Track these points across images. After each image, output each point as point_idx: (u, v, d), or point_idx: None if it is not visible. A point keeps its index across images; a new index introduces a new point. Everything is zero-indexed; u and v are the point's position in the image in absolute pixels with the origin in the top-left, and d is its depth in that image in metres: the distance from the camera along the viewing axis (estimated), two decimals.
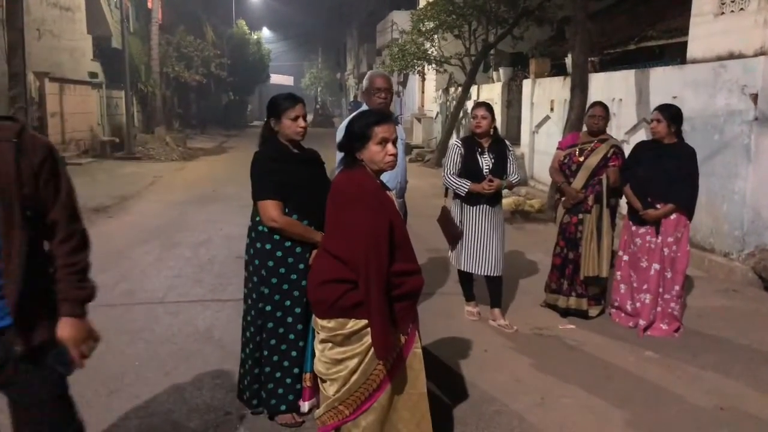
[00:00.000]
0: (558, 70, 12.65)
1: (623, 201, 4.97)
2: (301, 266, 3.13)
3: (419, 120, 23.40)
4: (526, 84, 13.21)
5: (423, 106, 24.85)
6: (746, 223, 6.38)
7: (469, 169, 4.72)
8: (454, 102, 17.63)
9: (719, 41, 6.85)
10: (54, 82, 15.61)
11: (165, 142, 19.37)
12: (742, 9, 6.58)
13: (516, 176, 4.84)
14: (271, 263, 3.15)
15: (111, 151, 18.38)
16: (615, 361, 4.29)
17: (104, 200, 10.46)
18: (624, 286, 4.97)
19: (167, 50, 25.38)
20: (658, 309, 4.78)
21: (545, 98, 12.12)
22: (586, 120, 5.09)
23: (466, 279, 5.07)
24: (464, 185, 4.67)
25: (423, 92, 25.01)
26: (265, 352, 3.21)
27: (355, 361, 2.51)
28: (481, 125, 4.70)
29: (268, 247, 3.15)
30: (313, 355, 2.72)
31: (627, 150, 5.07)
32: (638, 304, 4.84)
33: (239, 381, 3.42)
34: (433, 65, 18.17)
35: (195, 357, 4.23)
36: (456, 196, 4.84)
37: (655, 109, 4.77)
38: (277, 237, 3.13)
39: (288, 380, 3.22)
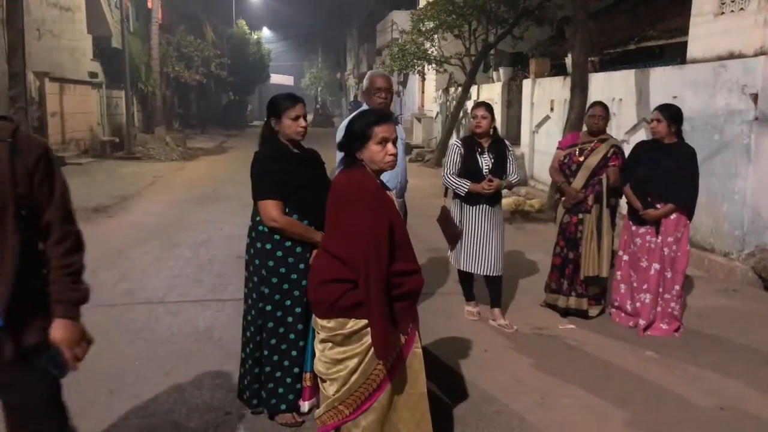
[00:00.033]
0: (558, 70, 12.65)
1: (623, 201, 4.97)
2: (302, 266, 3.13)
3: (419, 120, 23.40)
4: (526, 84, 13.21)
5: (423, 105, 24.85)
6: (746, 222, 6.38)
7: (468, 169, 4.73)
8: (454, 102, 17.64)
9: (719, 41, 6.85)
10: (54, 81, 15.61)
11: (165, 142, 19.36)
12: (742, 9, 6.58)
13: (516, 176, 4.84)
14: (271, 263, 3.15)
15: (111, 151, 18.38)
16: (615, 360, 4.30)
17: (104, 200, 10.46)
18: (624, 286, 4.97)
19: (167, 50, 25.38)
20: (658, 309, 4.78)
21: (545, 98, 12.12)
22: (586, 120, 5.09)
23: (466, 279, 5.08)
24: (464, 185, 4.67)
25: (423, 92, 25.00)
26: (266, 352, 3.21)
27: (355, 360, 2.51)
28: (481, 125, 4.70)
29: (268, 246, 3.15)
30: (313, 354, 2.72)
31: (627, 150, 5.07)
32: (638, 304, 4.84)
33: (239, 381, 3.42)
34: (433, 65, 18.17)
35: (195, 357, 4.23)
36: (456, 195, 4.84)
37: (656, 109, 4.77)
38: (277, 237, 3.13)
39: (288, 380, 3.22)
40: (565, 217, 5.03)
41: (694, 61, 7.29)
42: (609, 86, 9.25)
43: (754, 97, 6.20)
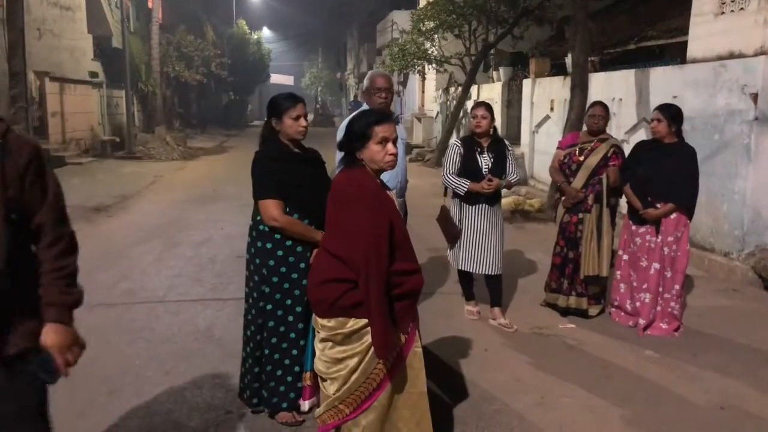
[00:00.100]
0: (558, 69, 12.65)
1: (623, 200, 4.97)
2: (302, 265, 3.14)
3: (419, 119, 23.41)
4: (526, 84, 13.22)
5: (423, 105, 24.86)
6: (746, 222, 6.38)
7: (468, 168, 4.73)
8: (454, 102, 17.64)
9: (719, 41, 6.85)
10: (54, 81, 15.62)
11: (165, 142, 19.37)
12: (742, 9, 6.58)
13: (515, 176, 4.84)
14: (272, 262, 3.15)
15: (111, 150, 18.39)
16: (615, 360, 4.30)
17: (105, 200, 10.46)
18: (624, 286, 4.97)
19: (167, 50, 25.39)
20: (658, 308, 4.78)
21: (545, 98, 12.12)
22: (586, 120, 5.09)
23: (466, 278, 5.08)
24: (463, 185, 4.68)
25: (423, 92, 25.01)
26: (266, 351, 3.22)
27: (355, 360, 2.51)
28: (481, 125, 4.71)
29: (269, 246, 3.16)
30: (314, 353, 2.73)
31: (627, 150, 5.07)
32: (638, 304, 4.84)
33: (240, 380, 3.43)
34: (434, 65, 18.18)
35: (195, 356, 4.23)
36: (455, 195, 4.84)
37: (656, 109, 4.78)
38: (278, 236, 3.14)
39: (289, 378, 3.23)
40: (565, 217, 5.03)
41: (694, 61, 7.29)
42: (609, 86, 9.25)
43: (754, 97, 6.20)
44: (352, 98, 41.14)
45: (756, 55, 6.32)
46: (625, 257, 4.96)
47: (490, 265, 4.77)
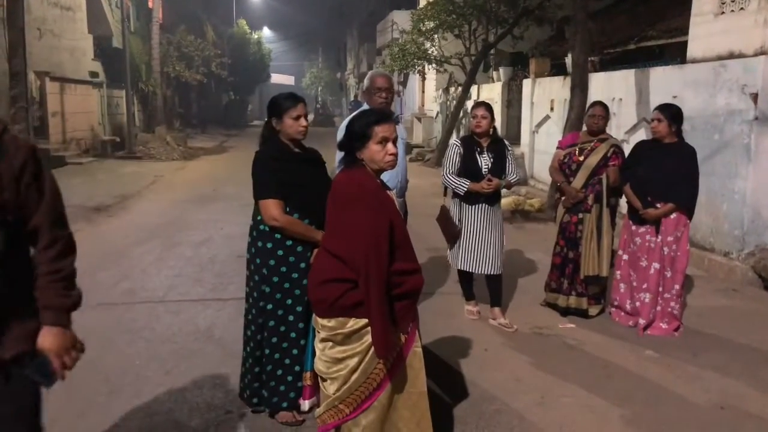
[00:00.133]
0: (558, 69, 12.66)
1: (623, 200, 4.97)
2: (303, 265, 3.14)
3: (419, 119, 23.41)
4: (526, 84, 13.22)
5: (423, 105, 24.87)
6: (746, 222, 6.38)
7: (468, 168, 4.73)
8: (454, 101, 17.65)
9: (719, 41, 6.85)
10: (55, 81, 15.63)
11: (166, 142, 19.37)
12: (742, 9, 6.58)
13: (515, 176, 4.85)
14: (272, 262, 3.16)
15: (112, 150, 18.40)
16: (615, 360, 4.30)
17: (105, 199, 10.47)
18: (624, 286, 4.97)
19: (168, 50, 25.40)
20: (658, 308, 4.78)
21: (545, 98, 12.13)
22: (586, 119, 5.09)
23: (466, 278, 5.08)
24: (463, 184, 4.68)
25: (423, 92, 25.02)
26: (267, 351, 3.22)
27: (355, 360, 2.52)
28: (481, 125, 4.71)
29: (269, 245, 3.16)
30: (314, 353, 2.73)
31: (627, 149, 5.08)
32: (638, 303, 4.84)
33: (240, 379, 3.43)
34: (434, 65, 18.18)
35: (196, 356, 4.23)
36: (455, 195, 4.85)
37: (656, 109, 4.78)
38: (278, 236, 3.14)
39: (289, 378, 3.23)
40: (565, 217, 5.03)
41: (694, 61, 7.29)
42: (609, 86, 9.25)
43: (754, 97, 6.21)
44: (352, 98, 41.15)
45: (756, 55, 6.32)
46: (625, 257, 4.96)
47: (490, 264, 4.78)
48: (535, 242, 7.65)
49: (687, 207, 4.65)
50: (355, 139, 2.55)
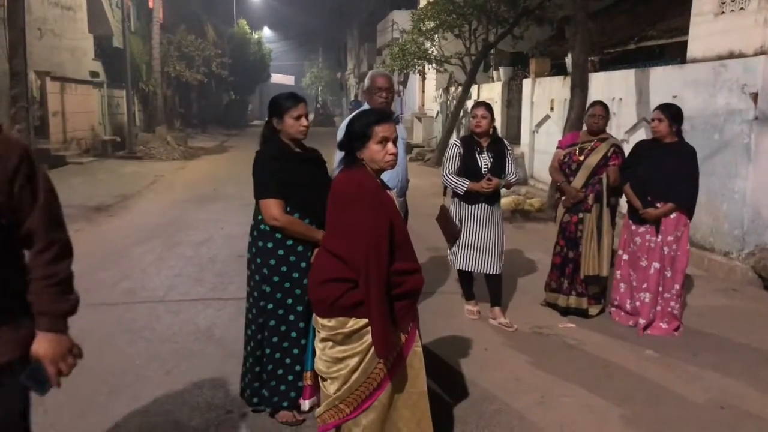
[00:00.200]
0: (558, 69, 12.66)
1: (623, 200, 4.97)
2: (303, 264, 3.14)
3: (420, 119, 23.42)
4: (526, 83, 13.22)
5: (423, 105, 24.87)
6: (746, 222, 6.38)
7: (467, 168, 4.74)
8: (455, 101, 17.66)
9: (719, 41, 6.85)
10: (55, 81, 15.63)
11: (166, 142, 19.38)
12: (742, 8, 6.58)
13: (514, 175, 4.85)
14: (272, 261, 3.16)
15: (112, 150, 18.42)
16: (615, 359, 4.30)
17: (105, 199, 10.47)
18: (624, 285, 4.97)
19: (168, 49, 25.41)
20: (658, 308, 4.78)
21: (545, 98, 12.13)
22: (586, 119, 5.09)
23: (466, 278, 5.08)
24: (463, 184, 4.69)
25: (423, 91, 25.02)
26: (267, 350, 3.22)
27: (355, 359, 2.52)
28: (481, 125, 4.71)
29: (269, 245, 3.16)
30: (314, 353, 2.73)
31: (627, 149, 5.08)
32: (638, 303, 4.85)
33: (241, 379, 3.43)
34: (434, 65, 18.19)
35: (196, 356, 4.23)
36: (455, 194, 4.85)
37: (656, 109, 4.78)
38: (278, 235, 3.14)
39: (290, 377, 3.23)
40: (565, 217, 5.03)
41: (694, 61, 7.29)
42: (609, 86, 9.25)
43: (754, 97, 6.21)
44: (352, 98, 41.15)
45: (756, 54, 6.32)
46: (625, 257, 4.96)
47: (490, 264, 4.78)
48: (535, 242, 7.65)
49: (687, 207, 4.65)
50: (356, 139, 2.55)
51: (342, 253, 2.49)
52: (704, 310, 5.34)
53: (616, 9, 14.37)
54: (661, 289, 4.77)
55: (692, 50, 7.40)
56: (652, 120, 4.75)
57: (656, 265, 4.72)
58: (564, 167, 5.08)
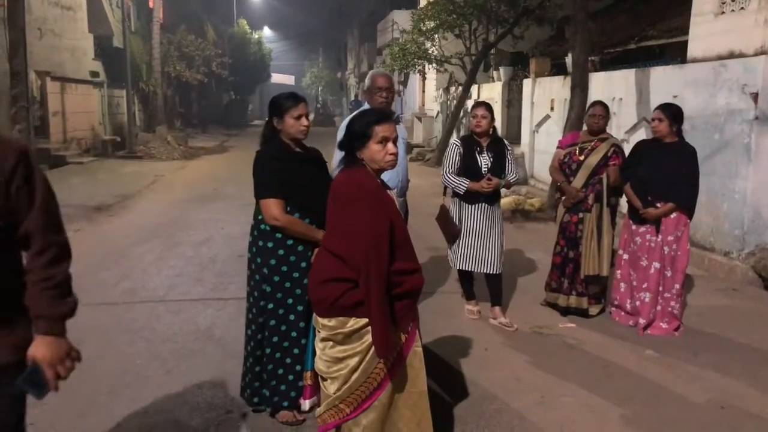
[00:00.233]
0: (558, 69, 12.66)
1: (623, 200, 4.97)
2: (303, 264, 3.14)
3: (420, 119, 23.42)
4: (527, 83, 13.22)
5: (423, 105, 24.87)
6: (746, 222, 6.38)
7: (467, 167, 4.74)
8: (455, 101, 17.66)
9: (719, 40, 6.85)
10: (55, 81, 15.64)
11: (166, 141, 19.39)
12: (742, 8, 6.58)
13: (514, 175, 4.85)
14: (273, 261, 3.16)
15: (112, 150, 18.42)
16: (615, 359, 4.30)
17: (106, 199, 10.47)
18: (624, 285, 4.97)
19: (168, 49, 25.42)
20: (658, 308, 4.78)
21: (545, 97, 12.13)
22: (587, 119, 5.09)
23: (466, 278, 5.09)
24: (463, 184, 4.69)
25: (423, 91, 25.02)
26: (268, 350, 3.22)
27: (355, 359, 2.52)
28: (481, 124, 4.72)
29: (270, 245, 3.17)
30: (314, 353, 2.73)
31: (627, 149, 5.08)
32: (638, 303, 4.85)
33: (241, 378, 3.43)
34: (434, 64, 18.18)
35: (196, 356, 4.24)
36: (455, 194, 4.85)
37: (657, 108, 4.78)
38: (279, 235, 3.14)
39: (290, 377, 3.23)
40: (566, 216, 5.03)
41: (695, 61, 7.29)
42: (609, 86, 9.25)
43: (755, 97, 6.21)
44: (352, 98, 41.17)
45: (756, 54, 6.32)
46: (626, 257, 4.96)
47: (490, 263, 4.78)
48: (535, 242, 7.65)
49: (687, 206, 4.65)
50: (356, 139, 2.55)
51: (342, 252, 2.49)
52: (704, 310, 5.34)
53: (616, 9, 14.37)
54: (661, 288, 4.77)
55: (692, 50, 7.40)
56: (653, 120, 4.75)
57: (656, 264, 4.72)
58: (564, 167, 5.08)
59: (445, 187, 4.91)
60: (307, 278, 2.83)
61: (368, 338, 2.47)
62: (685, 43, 7.70)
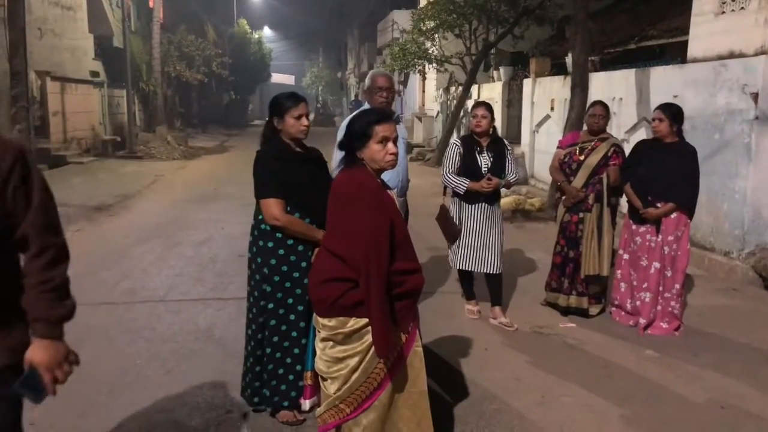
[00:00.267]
0: (558, 69, 12.66)
1: (624, 200, 4.98)
2: (304, 264, 3.14)
3: (420, 119, 23.42)
4: (527, 83, 13.22)
5: (424, 105, 24.87)
6: (747, 222, 6.38)
7: (467, 167, 4.74)
8: (455, 101, 17.65)
9: (720, 40, 6.85)
10: (56, 81, 15.63)
11: (166, 141, 19.38)
12: (742, 8, 6.58)
13: (514, 175, 4.85)
14: (273, 261, 3.16)
15: (112, 150, 18.42)
16: (615, 359, 4.30)
17: (106, 199, 10.47)
18: (624, 285, 4.97)
19: (168, 49, 25.41)
20: (658, 308, 4.78)
21: (545, 97, 12.13)
22: (587, 119, 5.09)
23: (466, 277, 5.09)
24: (463, 184, 4.69)
25: (424, 91, 25.02)
26: (268, 350, 3.22)
27: (355, 359, 2.52)
28: (481, 124, 4.72)
29: (270, 245, 3.17)
30: (314, 353, 2.73)
31: (627, 149, 5.08)
32: (638, 303, 4.85)
33: (241, 378, 3.43)
34: (434, 64, 18.18)
35: (196, 355, 4.24)
36: (455, 194, 4.85)
37: (657, 108, 4.78)
38: (279, 235, 3.14)
39: (290, 377, 3.23)
40: (566, 216, 5.03)
41: (695, 61, 7.29)
42: (609, 85, 9.25)
43: (755, 97, 6.21)
44: (353, 97, 41.17)
45: (756, 54, 6.32)
46: (626, 256, 4.96)
47: (490, 263, 4.78)
48: (535, 242, 7.65)
49: (687, 206, 4.65)
50: (356, 139, 2.55)
51: (342, 252, 2.49)
52: (704, 310, 5.34)
53: (616, 9, 14.37)
54: (661, 288, 4.77)
55: (692, 50, 7.40)
56: (653, 120, 4.75)
57: (656, 264, 4.72)
58: (564, 167, 5.08)
59: (445, 187, 4.92)
60: (308, 278, 2.83)
61: (368, 338, 2.47)
62: (685, 43, 7.70)
